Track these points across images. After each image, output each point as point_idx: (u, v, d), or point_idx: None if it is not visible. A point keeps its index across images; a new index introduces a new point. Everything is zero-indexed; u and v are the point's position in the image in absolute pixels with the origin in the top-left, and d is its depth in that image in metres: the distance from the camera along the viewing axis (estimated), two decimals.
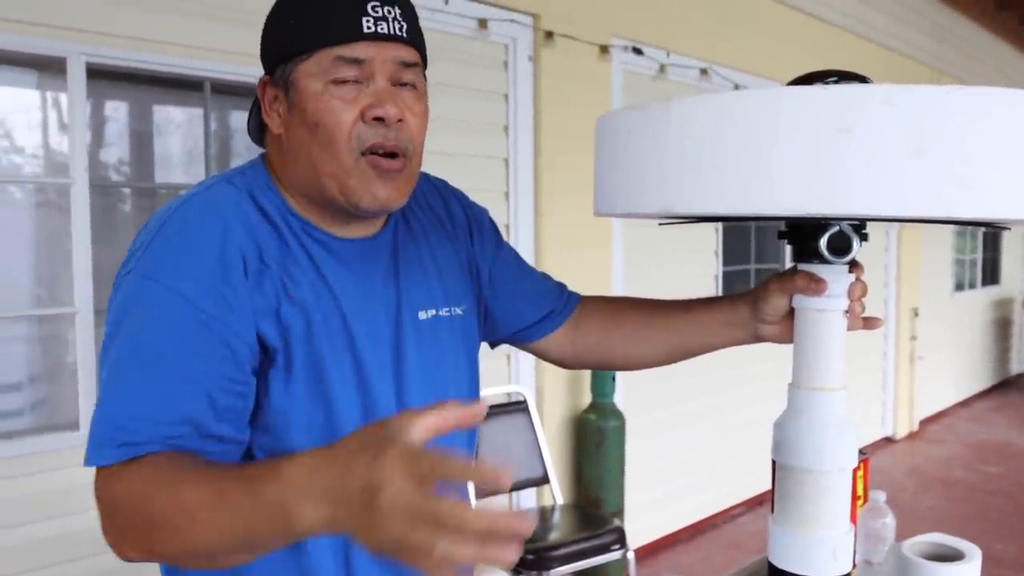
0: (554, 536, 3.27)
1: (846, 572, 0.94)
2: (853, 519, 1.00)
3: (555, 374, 3.75)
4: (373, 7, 0.96)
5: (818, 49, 5.40)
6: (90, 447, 0.88)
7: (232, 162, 3.04)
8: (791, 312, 1.02)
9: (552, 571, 3.01)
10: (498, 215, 1.34)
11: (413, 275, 1.12)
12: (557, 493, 3.53)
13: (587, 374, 3.83)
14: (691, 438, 4.63)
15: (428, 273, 1.15)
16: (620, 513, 3.75)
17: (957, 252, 8.18)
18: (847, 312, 0.96)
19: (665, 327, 1.24)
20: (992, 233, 8.84)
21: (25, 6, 2.32)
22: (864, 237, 0.92)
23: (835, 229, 0.91)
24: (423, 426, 0.66)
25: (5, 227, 2.52)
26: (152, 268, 0.92)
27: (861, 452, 1.32)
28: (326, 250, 1.03)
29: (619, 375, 3.85)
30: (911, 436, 6.99)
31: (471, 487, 2.46)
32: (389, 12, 0.97)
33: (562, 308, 1.30)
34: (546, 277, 1.34)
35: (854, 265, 0.97)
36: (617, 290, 4.06)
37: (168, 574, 1.04)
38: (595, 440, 3.73)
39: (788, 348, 1.10)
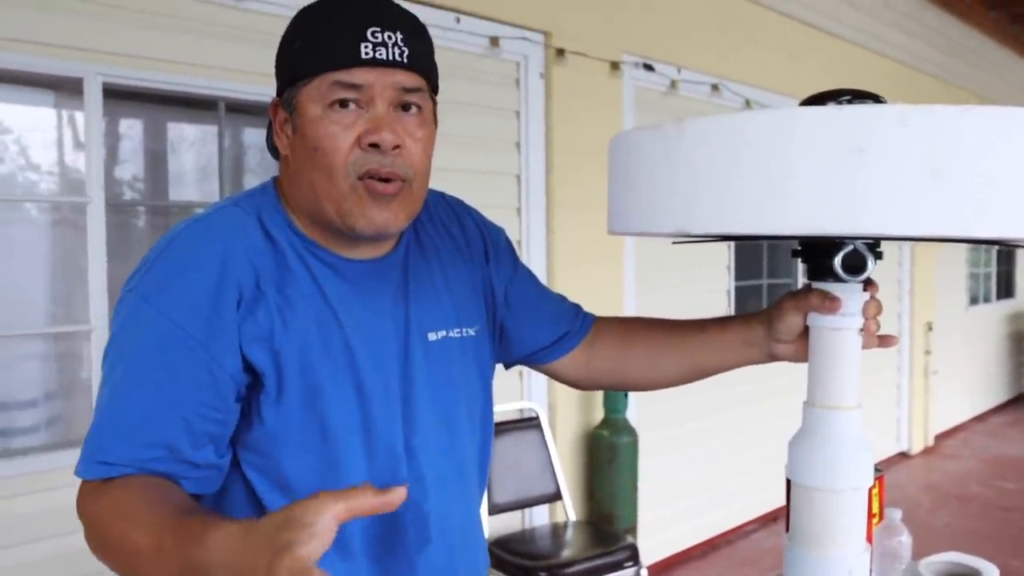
0: (567, 553, 3.26)
1: None
2: (869, 538, 0.99)
3: (568, 390, 3.74)
4: (373, 32, 0.96)
5: (828, 63, 5.40)
6: (79, 459, 0.93)
7: (245, 179, 3.06)
8: (806, 331, 1.02)
9: None
10: (510, 231, 1.34)
11: (424, 296, 1.12)
12: (570, 509, 3.52)
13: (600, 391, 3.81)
14: (704, 454, 4.61)
15: (439, 294, 1.15)
16: (633, 530, 3.73)
17: (971, 266, 8.14)
18: (862, 330, 0.95)
19: (679, 348, 1.24)
20: (1007, 249, 8.79)
21: (44, 28, 2.35)
22: (879, 256, 0.92)
23: (849, 248, 0.90)
24: (332, 515, 0.67)
25: (22, 245, 2.54)
26: (149, 290, 0.95)
27: (876, 469, 1.31)
28: (332, 271, 1.04)
29: (632, 391, 3.83)
30: (926, 451, 6.94)
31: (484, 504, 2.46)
32: (390, 38, 0.97)
33: (577, 330, 1.29)
34: (561, 298, 1.33)
35: (869, 283, 0.96)
36: (629, 305, 4.06)
37: None
38: (608, 456, 3.72)
39: (800, 363, 1.10)
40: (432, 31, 1.07)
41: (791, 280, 5.45)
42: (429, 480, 1.09)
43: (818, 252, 0.95)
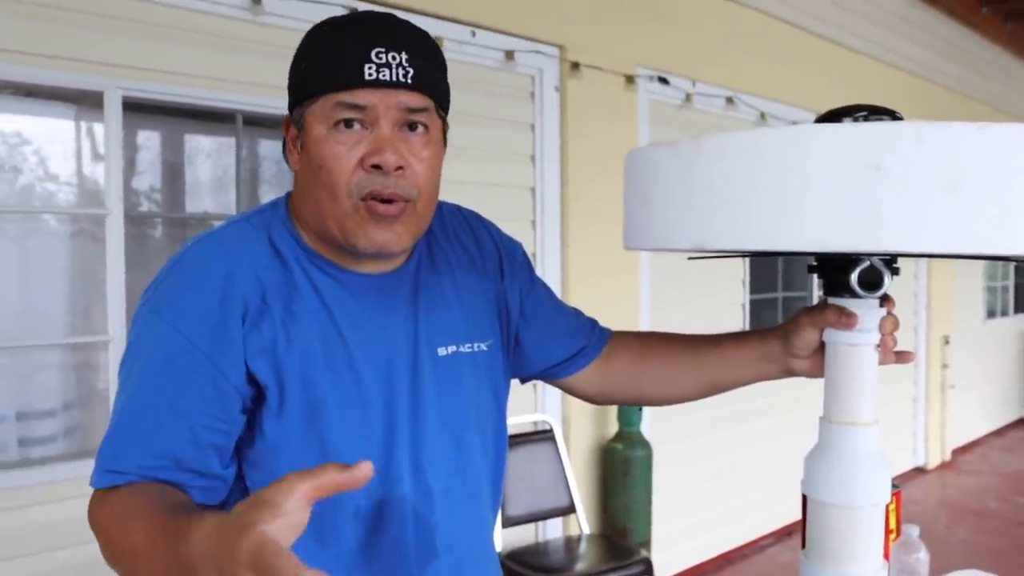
0: (580, 566, 3.25)
1: None
2: (886, 555, 0.99)
3: (581, 403, 3.70)
4: (377, 53, 0.97)
5: (843, 76, 5.40)
6: (93, 470, 0.95)
7: (261, 190, 3.08)
8: (822, 346, 1.02)
9: None
10: (525, 244, 1.34)
11: (434, 310, 1.12)
12: (584, 523, 3.51)
13: None
14: (719, 468, 4.59)
15: (451, 308, 1.14)
16: (647, 543, 3.72)
17: (988, 279, 8.08)
18: (879, 346, 0.95)
19: (695, 363, 1.23)
20: None
21: (65, 43, 2.38)
22: (895, 271, 0.92)
23: (866, 264, 0.90)
24: (300, 494, 0.66)
25: (42, 256, 2.57)
26: (159, 304, 0.98)
27: (893, 485, 1.30)
28: (339, 286, 1.05)
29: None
30: (943, 466, 6.88)
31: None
32: (394, 58, 0.97)
33: (594, 345, 1.29)
34: (577, 313, 1.33)
35: (885, 299, 0.96)
36: (644, 318, 4.05)
37: None
38: (622, 469, 3.71)
39: (816, 379, 1.10)
40: (448, 45, 1.07)
41: (806, 293, 5.43)
42: (436, 495, 1.09)
43: (834, 268, 0.95)
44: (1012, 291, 8.66)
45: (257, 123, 2.95)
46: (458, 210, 1.26)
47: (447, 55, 1.09)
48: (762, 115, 4.77)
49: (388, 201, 0.99)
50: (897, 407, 6.40)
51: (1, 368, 2.48)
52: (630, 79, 3.95)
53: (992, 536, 5.15)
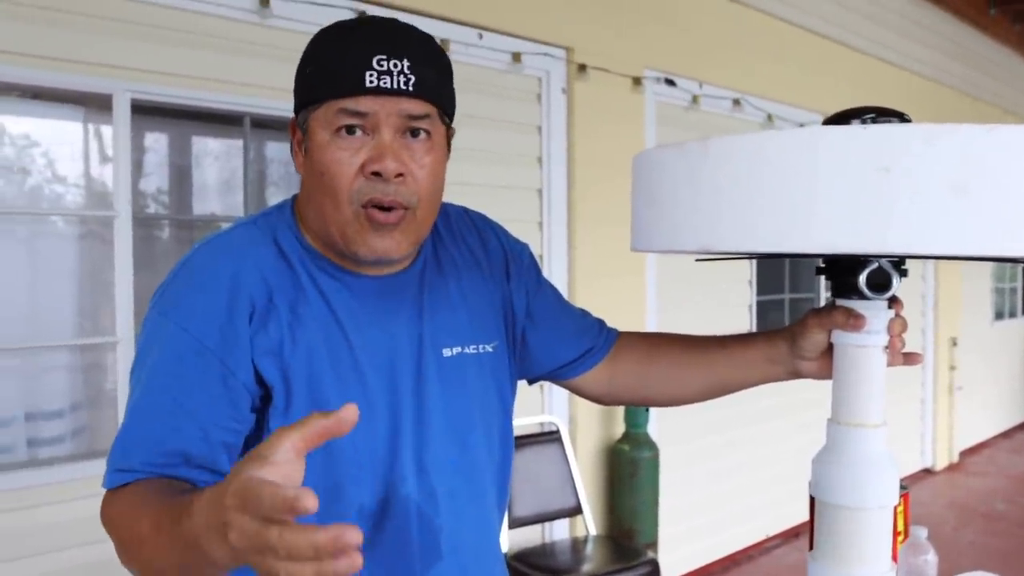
0: (587, 568, 3.25)
1: None
2: (894, 556, 0.98)
3: (588, 404, 3.73)
4: (379, 60, 0.97)
5: (850, 78, 5.39)
6: (105, 471, 0.96)
7: (268, 192, 3.09)
8: (830, 348, 1.02)
9: None
10: (532, 246, 1.34)
11: (439, 311, 1.13)
12: (590, 524, 3.51)
13: None
14: (726, 469, 4.58)
15: (456, 310, 1.15)
16: (654, 545, 3.71)
17: (996, 281, 8.06)
18: (887, 348, 0.95)
19: (702, 364, 1.23)
20: None
21: (74, 45, 2.39)
22: (904, 273, 0.92)
23: (874, 266, 0.90)
24: (288, 445, 0.65)
25: (50, 257, 2.58)
26: (168, 306, 0.99)
27: (901, 486, 1.30)
28: (344, 288, 1.06)
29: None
30: (951, 468, 6.86)
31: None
32: (396, 66, 0.97)
33: (601, 345, 1.29)
34: (585, 314, 1.33)
35: (894, 301, 0.96)
36: (650, 319, 4.05)
37: None
38: (629, 471, 3.71)
39: (823, 380, 1.10)
40: (454, 47, 1.08)
41: (813, 295, 5.42)
42: (441, 496, 1.09)
43: (842, 269, 0.94)
44: (1020, 293, 8.64)
45: (265, 125, 2.96)
46: (464, 212, 1.26)
47: (454, 57, 1.10)
48: (769, 117, 4.77)
49: (388, 208, 1.00)
50: (905, 409, 6.39)
51: (10, 369, 2.50)
52: (637, 81, 3.95)
53: (1000, 538, 5.13)
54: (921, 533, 1.43)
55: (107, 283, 2.54)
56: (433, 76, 1.02)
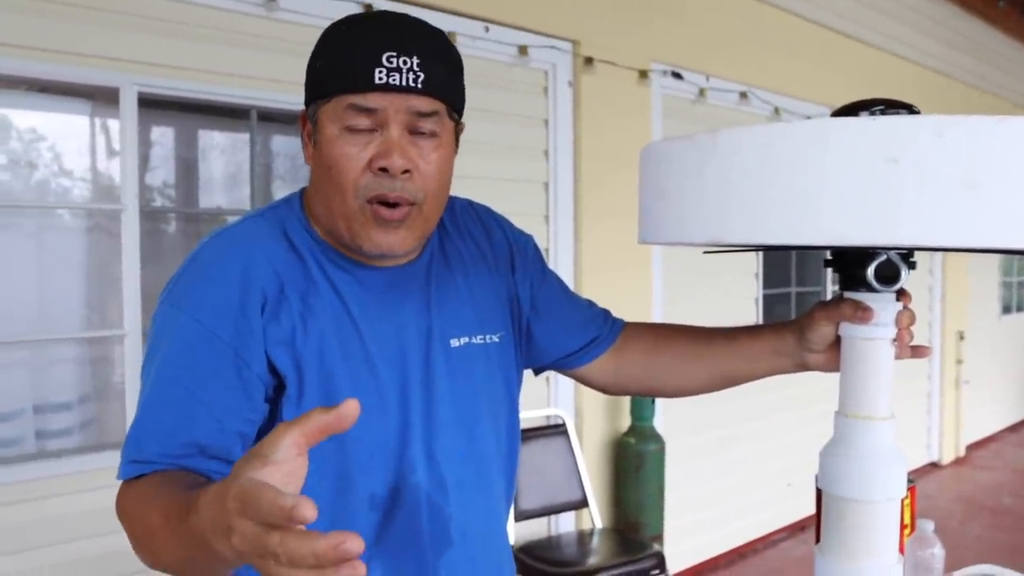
0: (593, 560, 3.26)
1: None
2: (901, 549, 0.98)
3: (594, 397, 3.74)
4: (388, 57, 0.97)
5: (858, 71, 5.37)
6: (120, 463, 0.96)
7: (275, 186, 3.09)
8: (837, 340, 1.01)
9: None
10: (538, 239, 1.34)
11: (446, 303, 1.14)
12: (596, 517, 3.51)
13: (626, 398, 3.81)
14: (731, 462, 4.59)
15: (462, 301, 1.16)
16: (660, 538, 3.72)
17: (1004, 274, 8.03)
18: (895, 340, 0.95)
19: (709, 355, 1.23)
20: None
21: (81, 39, 2.40)
22: (912, 266, 0.92)
23: (883, 258, 0.90)
24: (289, 442, 0.65)
25: (58, 251, 2.59)
26: (180, 298, 0.99)
27: (908, 479, 1.30)
28: (354, 280, 1.07)
29: (659, 399, 3.83)
30: (957, 462, 6.85)
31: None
32: (405, 63, 0.98)
33: (606, 335, 1.29)
34: (590, 304, 1.34)
35: (901, 293, 0.96)
36: (656, 313, 4.05)
37: None
38: (634, 464, 3.71)
39: (830, 373, 1.10)
40: (461, 40, 1.08)
41: (820, 288, 5.41)
42: (450, 485, 1.10)
43: (850, 262, 0.94)
44: None
45: (271, 119, 2.96)
46: (470, 205, 1.27)
47: (460, 51, 1.09)
48: (776, 110, 4.76)
49: (394, 205, 1.00)
50: (911, 403, 6.38)
51: (19, 362, 2.51)
52: (643, 74, 3.94)
53: (1007, 532, 5.12)
54: (928, 526, 1.43)
55: (114, 276, 2.54)
56: (442, 73, 1.02)
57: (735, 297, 4.65)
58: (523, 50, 3.47)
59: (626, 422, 3.84)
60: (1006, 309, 8.10)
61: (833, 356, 1.08)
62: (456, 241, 1.20)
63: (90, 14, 2.41)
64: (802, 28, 4.96)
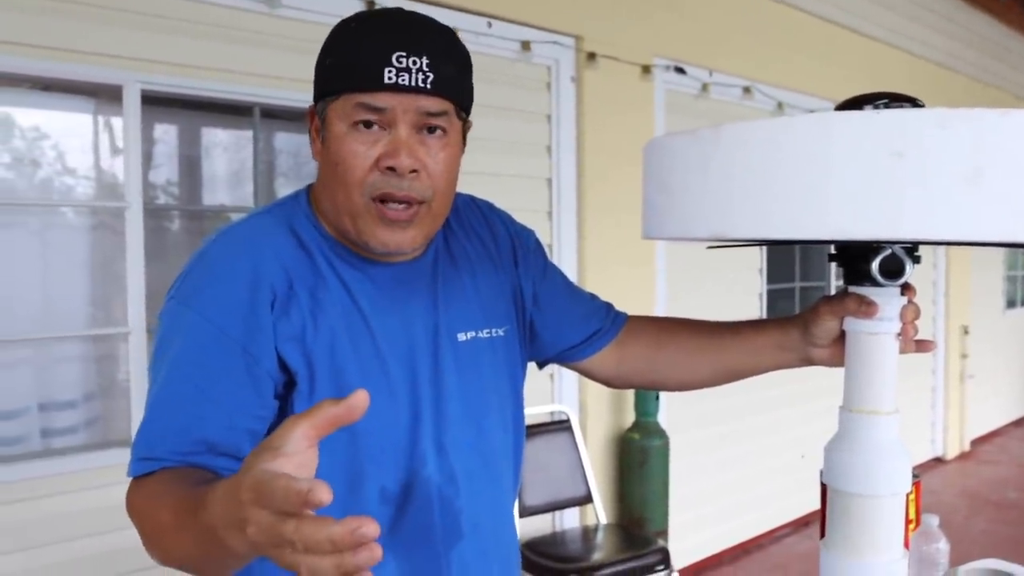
0: (597, 556, 3.26)
1: None
2: (906, 544, 0.98)
3: (598, 393, 3.74)
4: (398, 57, 0.97)
5: (861, 65, 5.35)
6: (129, 460, 0.96)
7: (278, 183, 3.09)
8: (842, 335, 1.01)
9: None
10: (541, 235, 1.35)
11: (453, 298, 1.15)
12: (600, 512, 3.51)
13: (631, 393, 3.81)
14: (736, 458, 4.58)
15: (468, 296, 1.17)
16: (664, 533, 3.72)
17: (1008, 268, 8.01)
18: (899, 335, 0.95)
19: (713, 349, 1.24)
20: None
21: (84, 37, 2.40)
22: (917, 260, 0.91)
23: (887, 252, 0.90)
24: (299, 434, 0.65)
25: (62, 249, 2.59)
26: (188, 295, 0.99)
27: (913, 474, 1.30)
28: (362, 275, 1.07)
29: (663, 393, 3.83)
30: (962, 456, 6.84)
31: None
32: (415, 63, 0.98)
33: (608, 328, 1.30)
34: (592, 297, 1.34)
35: (906, 287, 0.96)
36: (660, 309, 4.05)
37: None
38: (639, 459, 3.71)
39: (834, 368, 1.10)
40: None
41: (824, 283, 5.40)
42: (460, 478, 1.11)
43: (855, 256, 0.94)
44: None
45: (274, 116, 2.96)
46: (472, 200, 1.28)
47: None
48: (779, 105, 4.75)
49: (401, 203, 1.01)
50: (916, 397, 6.37)
51: (24, 360, 2.51)
52: (646, 69, 3.94)
53: (1012, 527, 5.12)
54: (933, 521, 1.43)
55: (118, 274, 2.55)
56: (451, 72, 1.02)
57: (739, 292, 4.65)
58: (526, 46, 3.46)
59: (630, 417, 3.84)
60: (1010, 303, 8.08)
61: (837, 351, 1.08)
62: (461, 238, 1.21)
63: (93, 12, 2.41)
64: (805, 22, 4.95)
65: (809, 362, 1.15)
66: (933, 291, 6.50)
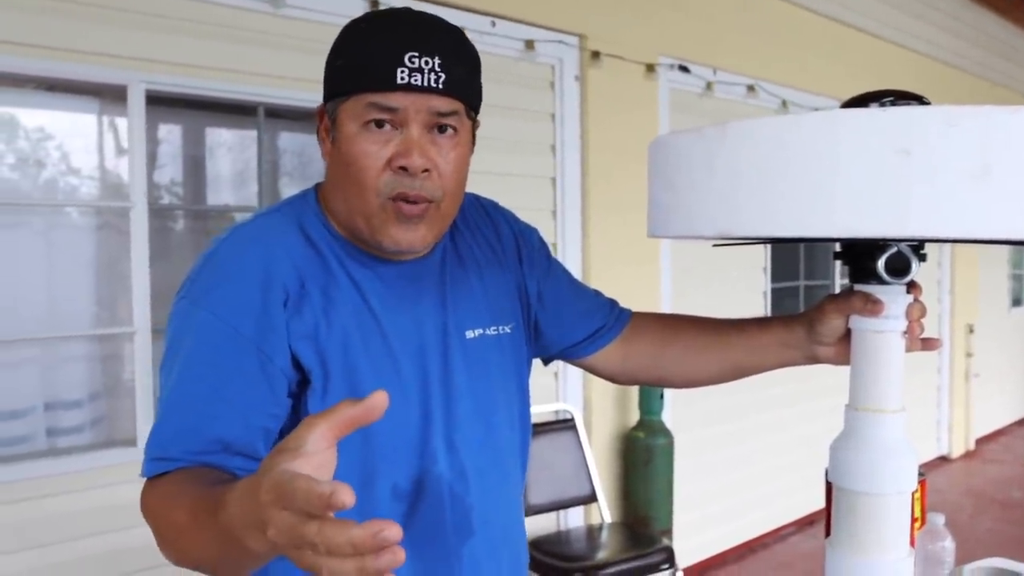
0: (602, 555, 3.26)
1: None
2: (911, 542, 0.98)
3: (603, 392, 3.74)
4: (411, 57, 0.98)
5: (866, 63, 5.34)
6: (143, 460, 0.96)
7: (282, 182, 3.09)
8: (848, 333, 1.01)
9: None
10: (546, 234, 1.35)
11: (460, 296, 1.15)
12: (605, 511, 3.51)
13: (635, 392, 3.81)
14: (741, 456, 4.58)
15: (475, 294, 1.17)
16: (669, 532, 3.72)
17: (1014, 267, 7.99)
18: (905, 333, 0.94)
19: (718, 346, 1.24)
20: None
21: (88, 37, 2.40)
22: (923, 258, 0.91)
23: (893, 250, 0.90)
24: (318, 434, 0.64)
25: (67, 249, 2.60)
26: (199, 295, 0.99)
27: (919, 473, 1.29)
28: (372, 274, 1.08)
29: (668, 392, 3.83)
30: (967, 455, 6.83)
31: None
32: (427, 63, 0.98)
33: (612, 324, 1.30)
34: (597, 293, 1.35)
35: (912, 285, 0.96)
36: (665, 307, 4.04)
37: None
38: (643, 458, 3.71)
39: (839, 366, 1.09)
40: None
41: (828, 282, 5.39)
42: (471, 475, 1.11)
43: (861, 254, 0.94)
44: None
45: (278, 115, 2.96)
46: (476, 199, 1.28)
47: None
48: (784, 103, 4.74)
49: (413, 202, 1.01)
50: (921, 396, 6.36)
51: (29, 359, 2.52)
52: (650, 68, 3.93)
53: (1017, 526, 5.11)
54: (938, 520, 1.42)
55: (123, 274, 2.55)
56: (462, 72, 1.03)
57: (743, 291, 4.64)
58: (530, 44, 3.46)
59: (635, 416, 3.83)
60: (1016, 302, 8.06)
61: (843, 349, 1.08)
62: (466, 236, 1.21)
63: (97, 12, 2.41)
64: (809, 20, 4.94)
65: (815, 360, 1.15)
66: (938, 289, 6.48)
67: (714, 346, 1.24)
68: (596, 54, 3.67)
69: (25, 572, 2.33)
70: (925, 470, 1.68)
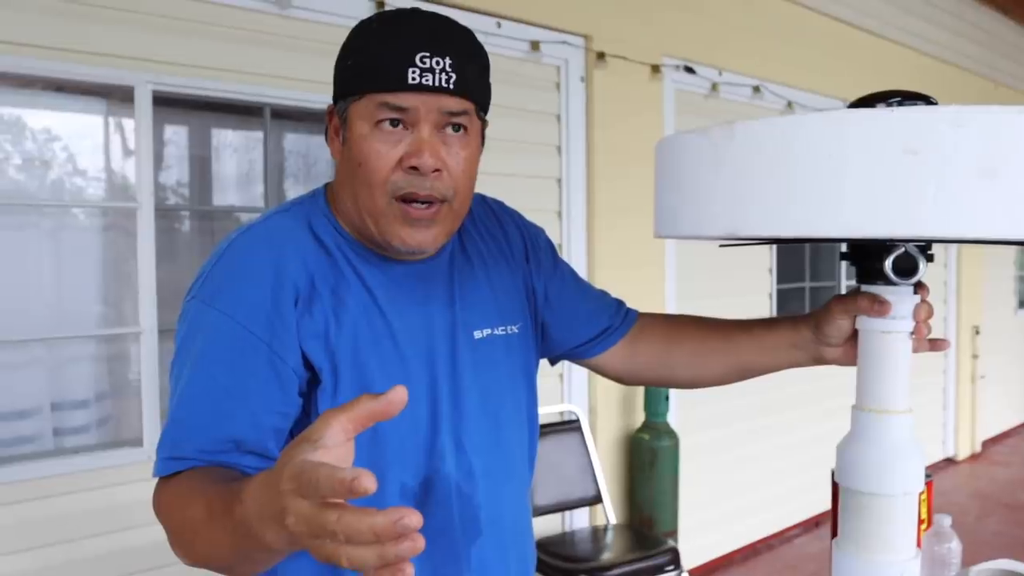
0: (607, 556, 3.26)
1: None
2: (918, 544, 0.98)
3: (608, 393, 3.74)
4: (422, 58, 0.98)
5: (871, 63, 5.33)
6: (155, 460, 0.96)
7: (287, 183, 3.10)
8: (854, 334, 1.01)
9: None
10: (551, 234, 1.36)
11: (469, 296, 1.16)
12: (610, 513, 3.51)
13: (640, 393, 3.81)
14: (746, 458, 4.57)
15: (483, 293, 1.18)
16: (674, 533, 3.71)
17: (1020, 268, 7.96)
18: (912, 334, 0.94)
19: (725, 347, 1.24)
20: None
21: (95, 38, 2.41)
22: (930, 258, 0.91)
23: (900, 251, 0.89)
24: (337, 428, 0.65)
25: (74, 249, 2.60)
26: (210, 295, 0.99)
27: (926, 474, 1.29)
28: (381, 274, 1.08)
29: (673, 394, 3.82)
30: (973, 457, 6.81)
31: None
32: (438, 63, 0.99)
33: (619, 325, 1.30)
34: (603, 294, 1.35)
35: (919, 286, 0.95)
36: (670, 308, 4.04)
37: None
38: (648, 459, 3.71)
39: (845, 367, 1.09)
40: None
41: (834, 283, 5.38)
42: (479, 474, 1.12)
43: (868, 255, 0.94)
44: None
45: (284, 116, 2.97)
46: (483, 200, 1.29)
47: None
48: (789, 104, 4.73)
49: (423, 202, 1.01)
50: (927, 397, 6.34)
51: (36, 359, 2.52)
52: (656, 69, 3.93)
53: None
54: (945, 521, 1.42)
55: (130, 274, 2.56)
56: (473, 72, 1.03)
57: (748, 292, 4.63)
58: (535, 46, 3.46)
59: (640, 418, 3.83)
60: (1022, 303, 8.03)
61: (850, 350, 1.08)
62: (474, 236, 1.22)
63: (104, 13, 2.42)
64: (814, 21, 4.94)
65: (821, 361, 1.15)
66: (944, 291, 6.47)
67: (720, 347, 1.24)
68: (601, 55, 3.67)
69: (32, 571, 2.34)
70: (931, 472, 1.68)
